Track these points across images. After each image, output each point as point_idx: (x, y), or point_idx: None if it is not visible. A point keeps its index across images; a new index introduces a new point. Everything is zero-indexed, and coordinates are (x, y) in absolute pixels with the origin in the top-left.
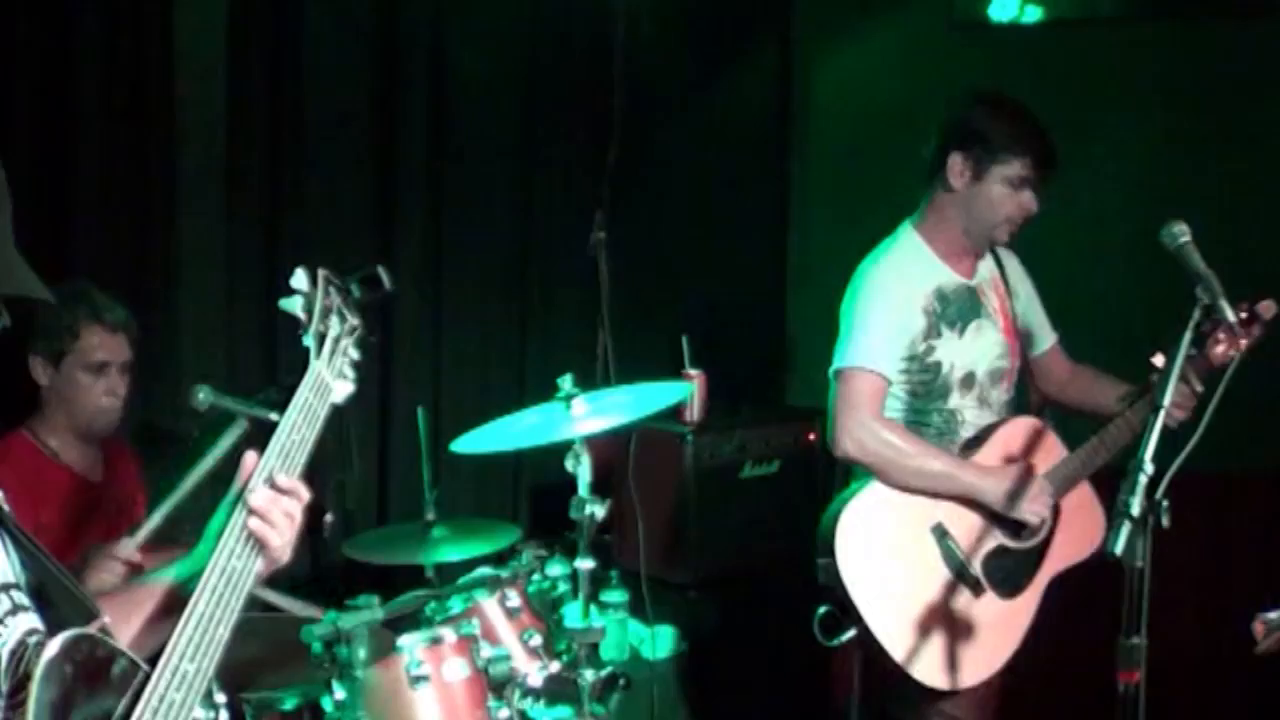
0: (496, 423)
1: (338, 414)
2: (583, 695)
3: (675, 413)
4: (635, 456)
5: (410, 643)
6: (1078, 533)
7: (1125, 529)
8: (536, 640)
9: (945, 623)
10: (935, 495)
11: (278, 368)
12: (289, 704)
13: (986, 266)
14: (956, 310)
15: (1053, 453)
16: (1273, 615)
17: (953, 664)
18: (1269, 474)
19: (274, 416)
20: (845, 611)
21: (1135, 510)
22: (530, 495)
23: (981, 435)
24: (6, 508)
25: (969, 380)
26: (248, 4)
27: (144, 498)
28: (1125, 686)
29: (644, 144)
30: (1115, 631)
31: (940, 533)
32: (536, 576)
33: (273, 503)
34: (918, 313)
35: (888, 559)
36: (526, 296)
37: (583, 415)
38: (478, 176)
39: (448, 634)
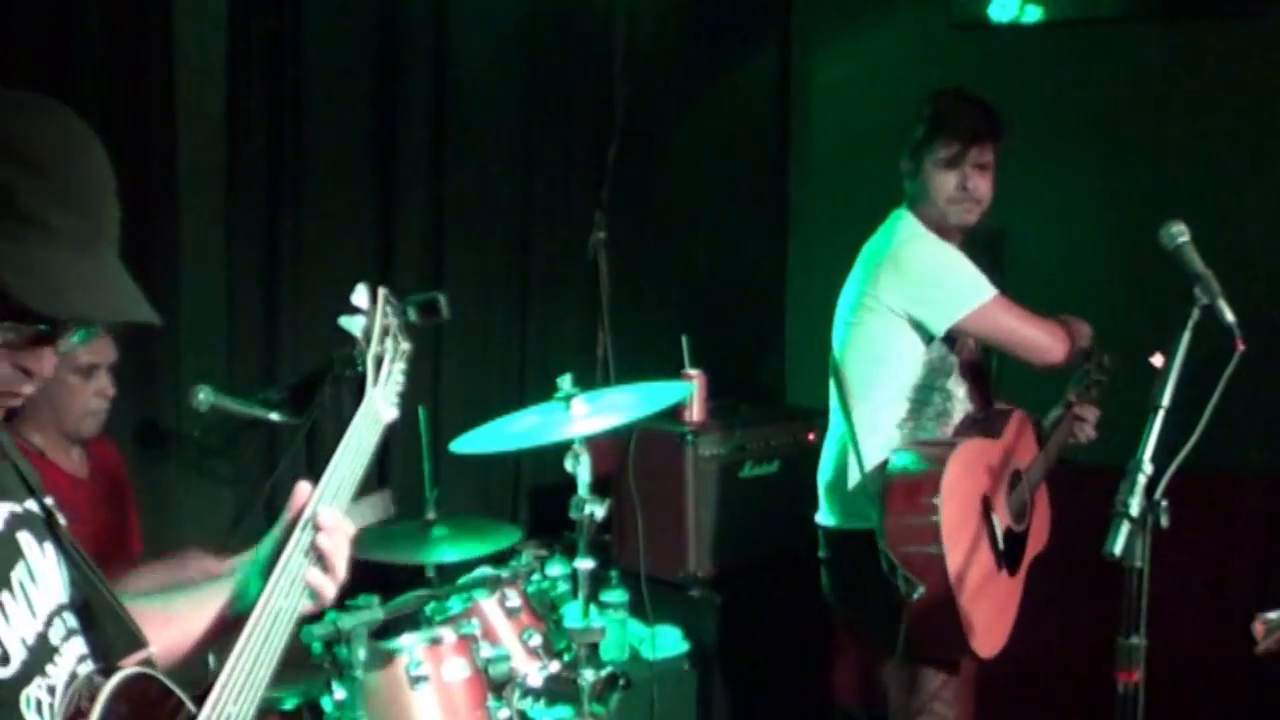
0: (496, 423)
1: (338, 413)
2: (583, 695)
3: (675, 413)
4: (635, 456)
5: (410, 643)
6: (1040, 527)
7: (1124, 529)
8: (536, 640)
9: (986, 591)
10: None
11: (278, 368)
12: (289, 704)
13: None
14: None
15: (1033, 447)
16: (1273, 615)
17: (989, 633)
18: (1269, 474)
19: (274, 417)
20: (918, 564)
21: (1134, 510)
22: (530, 495)
23: (995, 419)
24: (63, 520)
25: (965, 364)
26: (248, 4)
27: (131, 488)
28: (1125, 686)
29: (644, 144)
30: (1115, 631)
31: (986, 505)
32: (536, 576)
33: (338, 525)
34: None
35: (963, 520)
36: (526, 296)
37: (583, 415)
38: (478, 176)
39: (447, 634)
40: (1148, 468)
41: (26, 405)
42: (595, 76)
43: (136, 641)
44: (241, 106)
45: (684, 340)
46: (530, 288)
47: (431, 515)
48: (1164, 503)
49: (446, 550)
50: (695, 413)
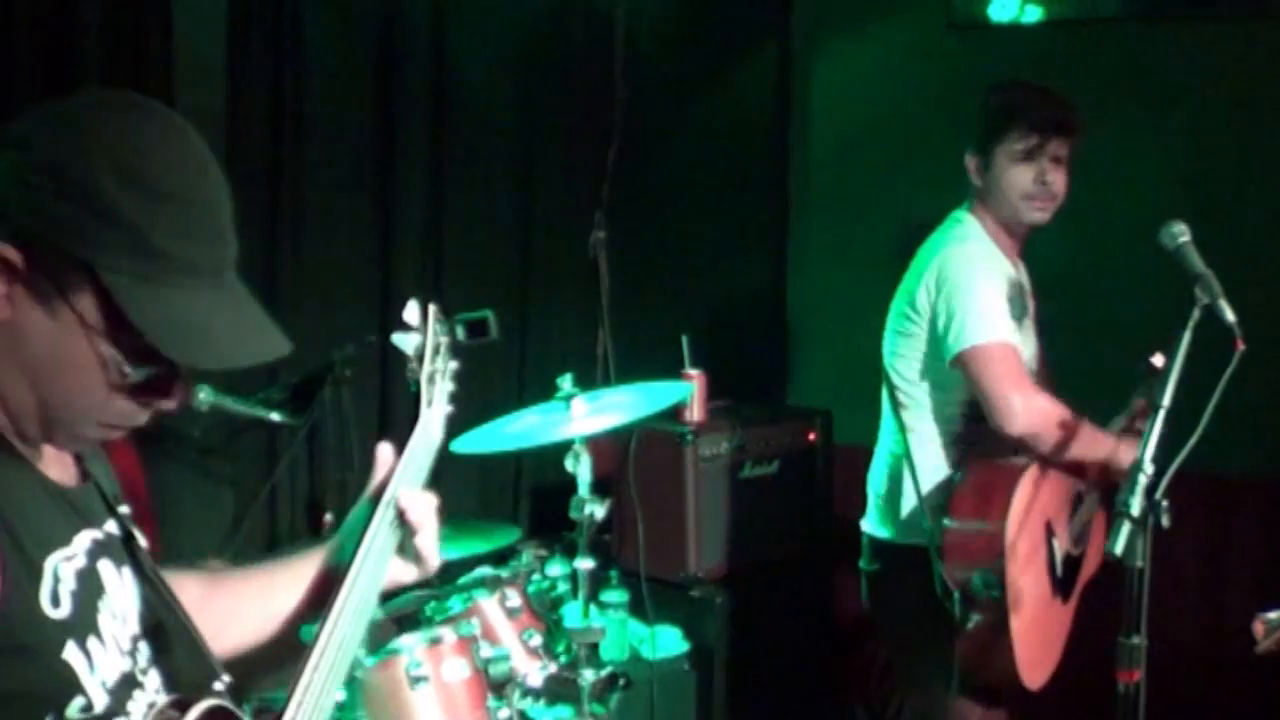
0: (496, 422)
1: (339, 413)
2: (583, 695)
3: (675, 413)
4: (635, 456)
5: (410, 643)
6: (1096, 549)
7: (1125, 529)
8: (536, 640)
9: (1039, 619)
10: (1072, 470)
11: (278, 368)
12: None
13: (1020, 268)
14: (1018, 304)
15: (1098, 466)
16: (1273, 615)
17: (1039, 663)
18: (1269, 475)
19: (274, 417)
20: (975, 587)
21: (1135, 510)
22: (530, 495)
23: None
24: (145, 543)
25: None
26: (248, 4)
27: (145, 486)
28: (1125, 686)
29: (644, 144)
30: (1115, 631)
31: (1049, 531)
32: (536, 576)
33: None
34: (1005, 298)
35: (1027, 546)
36: (526, 296)
37: (583, 415)
38: (478, 176)
39: (448, 634)
40: (1148, 468)
41: None
42: (595, 76)
43: (211, 669)
44: (241, 106)
45: (684, 340)
46: (530, 288)
47: None
48: (1164, 503)
49: (446, 550)
50: (695, 413)
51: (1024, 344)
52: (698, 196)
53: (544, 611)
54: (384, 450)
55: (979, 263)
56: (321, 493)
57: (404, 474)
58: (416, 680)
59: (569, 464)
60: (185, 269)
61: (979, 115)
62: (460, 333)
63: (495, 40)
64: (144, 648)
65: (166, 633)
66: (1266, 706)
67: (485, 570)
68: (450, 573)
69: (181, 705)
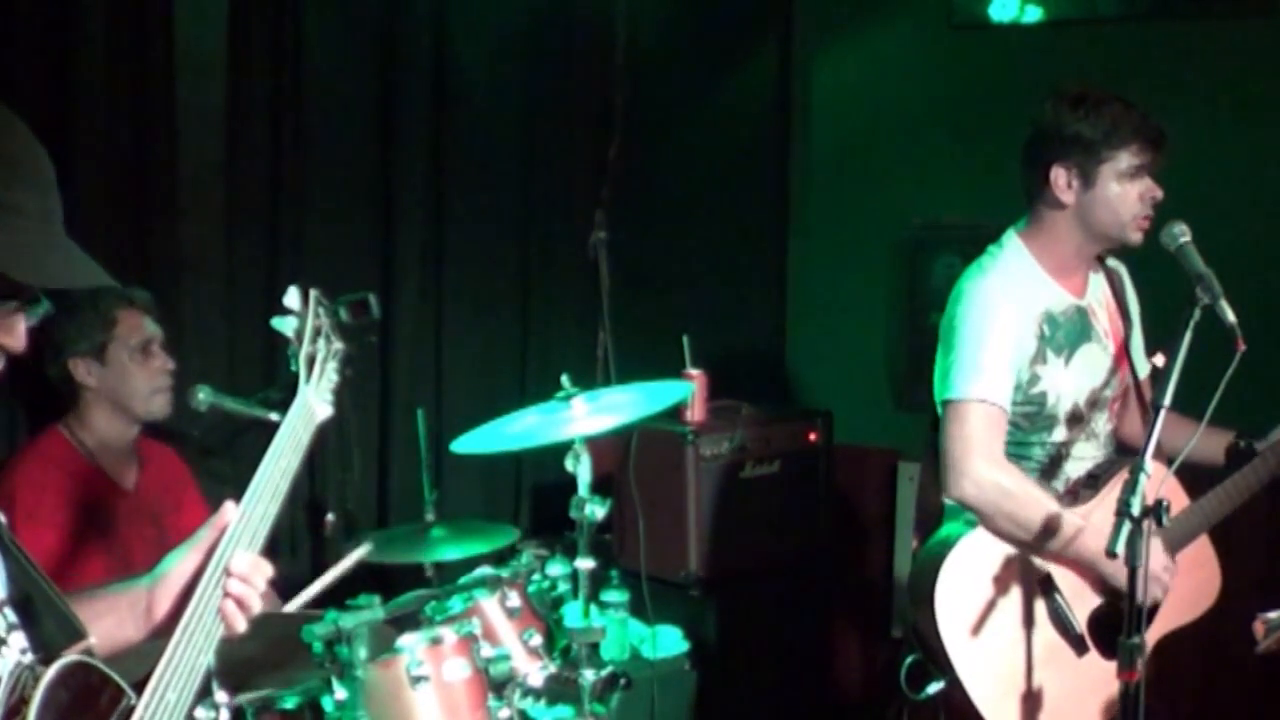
0: (497, 422)
1: (338, 413)
2: (583, 695)
3: (675, 413)
4: (636, 456)
5: (411, 643)
6: (1190, 591)
7: (1125, 529)
8: (537, 640)
9: (1043, 682)
10: (1041, 554)
11: (278, 368)
12: (289, 703)
13: (1098, 282)
14: (1065, 334)
15: (1175, 501)
16: (1273, 615)
17: None
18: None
19: (274, 417)
20: (935, 662)
21: (1135, 510)
22: (530, 495)
23: (1097, 475)
24: (2, 519)
25: (1075, 412)
26: (248, 4)
27: (193, 494)
28: (1125, 686)
29: (644, 144)
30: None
31: (1048, 586)
32: (537, 576)
33: (253, 570)
34: (1029, 336)
35: (989, 610)
36: (526, 296)
37: (583, 415)
38: (478, 176)
39: (448, 634)
40: (1149, 468)
41: (87, 407)
42: (595, 76)
43: (76, 632)
44: (242, 106)
45: (684, 340)
46: (530, 288)
47: (430, 517)
48: (1165, 502)
49: (445, 551)
50: (696, 412)
51: (1075, 377)
52: (698, 196)
53: (544, 611)
54: (228, 506)
55: (997, 300)
56: (321, 493)
57: (277, 455)
58: (417, 680)
59: (569, 464)
60: (25, 215)
61: (1066, 126)
62: (344, 313)
63: (496, 40)
64: (9, 614)
65: (33, 603)
66: (1266, 706)
67: (486, 570)
68: (451, 573)
69: (47, 661)
